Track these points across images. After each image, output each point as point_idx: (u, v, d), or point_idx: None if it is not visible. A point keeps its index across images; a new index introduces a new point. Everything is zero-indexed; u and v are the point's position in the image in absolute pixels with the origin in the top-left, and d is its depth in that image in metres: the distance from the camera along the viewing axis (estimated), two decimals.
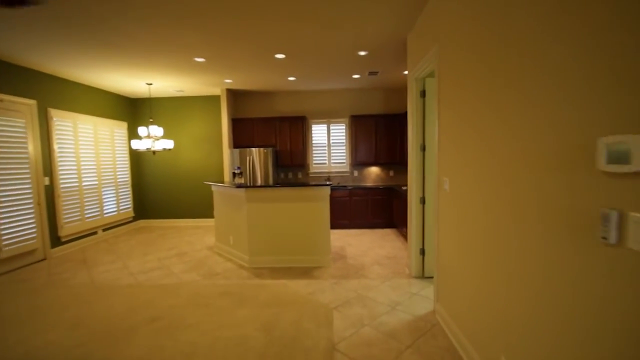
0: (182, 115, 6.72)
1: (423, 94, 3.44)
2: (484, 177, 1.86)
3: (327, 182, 4.03)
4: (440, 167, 2.64)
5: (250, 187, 3.92)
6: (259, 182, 5.95)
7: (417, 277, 3.59)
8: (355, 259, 4.31)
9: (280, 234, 4.02)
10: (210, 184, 4.59)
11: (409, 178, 3.69)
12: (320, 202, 3.99)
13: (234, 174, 5.96)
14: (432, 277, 3.55)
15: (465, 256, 2.15)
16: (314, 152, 6.61)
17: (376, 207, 6.04)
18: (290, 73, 5.12)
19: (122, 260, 4.53)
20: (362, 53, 4.19)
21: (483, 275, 1.88)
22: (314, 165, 6.63)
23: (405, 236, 5.13)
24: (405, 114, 5.85)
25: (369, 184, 6.58)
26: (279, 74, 5.18)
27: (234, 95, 6.58)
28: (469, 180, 2.09)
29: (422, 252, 3.59)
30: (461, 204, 2.22)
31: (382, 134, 6.22)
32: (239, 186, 3.85)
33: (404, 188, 5.50)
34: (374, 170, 6.57)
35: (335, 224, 6.10)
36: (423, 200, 3.53)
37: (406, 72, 5.18)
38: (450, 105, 2.39)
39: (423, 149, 3.50)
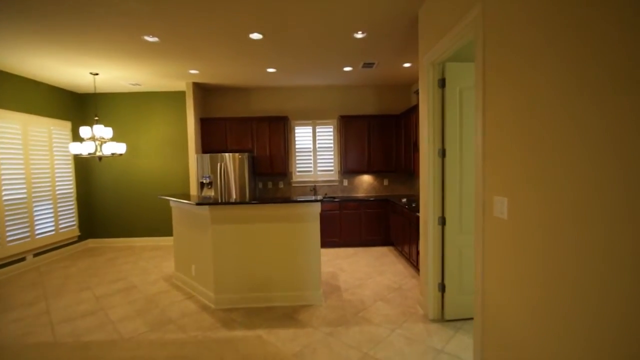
0: (140, 115, 5.67)
1: (442, 83, 2.66)
2: (588, 199, 1.06)
3: (317, 197, 3.15)
4: (486, 181, 1.83)
5: (216, 204, 2.98)
6: (233, 194, 5.00)
7: (435, 321, 2.76)
8: (352, 291, 3.45)
9: (257, 264, 3.10)
10: (168, 199, 3.60)
11: (423, 192, 2.89)
12: (308, 223, 3.11)
13: (202, 185, 4.99)
14: (454, 321, 2.73)
15: (548, 320, 1.34)
16: (298, 158, 5.74)
17: (370, 221, 5.22)
18: (269, 62, 4.24)
19: (46, 299, 3.44)
20: (359, 35, 3.38)
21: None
22: (297, 174, 5.75)
23: (406, 257, 4.33)
24: (403, 115, 5.10)
25: (360, 194, 5.77)
26: (255, 64, 4.29)
27: (203, 91, 5.62)
28: (550, 202, 1.28)
29: (442, 287, 2.77)
30: (535, 239, 1.41)
31: (375, 138, 5.43)
32: (201, 203, 2.91)
33: (403, 200, 4.71)
34: (367, 179, 5.77)
35: (323, 242, 5.22)
36: (443, 221, 2.73)
37: (407, 65, 4.42)
38: (507, 89, 1.59)
39: (442, 154, 2.71)
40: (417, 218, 3.81)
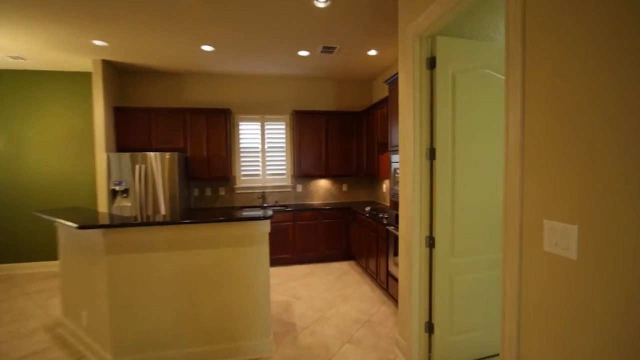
0: (28, 100, 4.29)
1: (431, 63, 2.04)
2: None
3: (266, 213, 2.34)
4: (527, 197, 1.21)
5: (112, 226, 2.00)
6: (160, 204, 3.94)
7: None
8: (312, 329, 2.69)
9: (180, 308, 2.19)
10: (45, 217, 2.47)
11: (405, 205, 2.25)
12: (254, 248, 2.29)
13: (115, 192, 3.85)
14: None
15: None
16: (243, 159, 4.83)
17: (328, 233, 4.53)
18: (204, 36, 3.32)
19: None
20: (320, 3, 2.66)
21: None
22: (242, 178, 4.84)
23: (372, 276, 3.70)
24: (365, 112, 4.50)
25: (317, 202, 5.05)
26: (186, 38, 3.33)
27: (118, 73, 4.44)
28: None
29: (430, 328, 2.15)
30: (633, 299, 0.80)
31: (334, 138, 4.77)
32: (86, 226, 1.91)
33: (367, 209, 4.10)
34: (324, 184, 5.08)
35: (273, 260, 4.39)
36: (431, 242, 2.11)
37: (372, 52, 3.82)
38: (573, 55, 0.98)
39: (432, 155, 2.09)
40: (387, 231, 3.20)
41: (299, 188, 4.97)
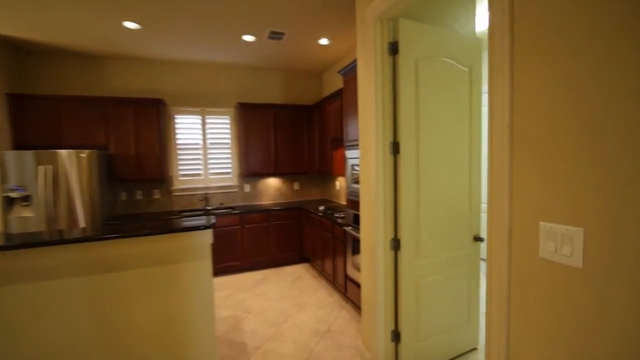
0: None
1: (394, 48, 1.86)
2: None
3: (208, 221, 1.97)
4: (517, 194, 1.06)
5: None
6: (77, 212, 3.26)
7: None
8: (265, 350, 2.38)
9: (100, 344, 1.72)
10: None
11: (366, 205, 2.05)
12: (193, 263, 1.90)
13: (11, 200, 3.10)
14: None
15: None
16: (181, 157, 4.28)
17: (280, 235, 4.22)
18: (126, 8, 2.77)
19: None
20: None
21: None
22: (180, 179, 4.29)
23: (328, 278, 3.50)
24: (316, 105, 4.27)
25: (267, 202, 4.70)
26: (104, 8, 2.75)
27: (16, 53, 3.60)
28: None
29: (396, 336, 1.99)
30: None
31: (284, 133, 4.46)
32: None
33: (321, 208, 3.88)
34: (273, 183, 4.74)
35: (220, 269, 3.95)
36: (396, 245, 1.94)
37: (324, 41, 3.58)
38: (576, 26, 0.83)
39: (395, 150, 1.91)
40: (344, 232, 3.01)
41: (247, 188, 4.57)
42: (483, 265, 3.70)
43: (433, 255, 2.04)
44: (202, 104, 4.32)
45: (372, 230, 1.98)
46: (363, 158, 2.07)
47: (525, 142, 1.01)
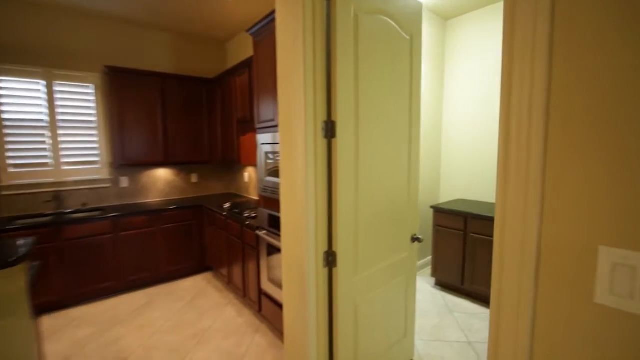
0: None
1: None
2: None
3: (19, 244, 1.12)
4: (567, 206, 0.65)
5: None
6: None
7: None
8: None
9: None
10: None
11: (288, 207, 1.49)
12: None
13: None
14: None
15: None
16: (11, 140, 2.94)
17: (174, 241, 3.33)
18: None
19: None
20: None
21: None
22: (13, 171, 2.95)
23: (237, 292, 2.86)
24: (219, 79, 3.46)
25: (154, 200, 3.70)
26: None
27: None
28: None
29: None
30: None
31: (176, 111, 3.51)
32: None
33: (226, 205, 3.18)
34: (163, 175, 3.75)
35: (79, 296, 2.86)
36: (331, 259, 1.45)
37: None
38: None
39: (331, 132, 1.40)
40: (256, 237, 2.41)
41: (124, 182, 3.48)
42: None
43: (373, 265, 1.63)
44: (47, 62, 3.02)
45: (299, 242, 1.45)
46: (285, 144, 1.50)
47: (576, 114, 0.60)
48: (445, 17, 3.40)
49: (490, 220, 2.65)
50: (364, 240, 1.55)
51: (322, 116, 1.38)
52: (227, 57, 4.08)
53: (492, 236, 2.71)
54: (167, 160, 3.47)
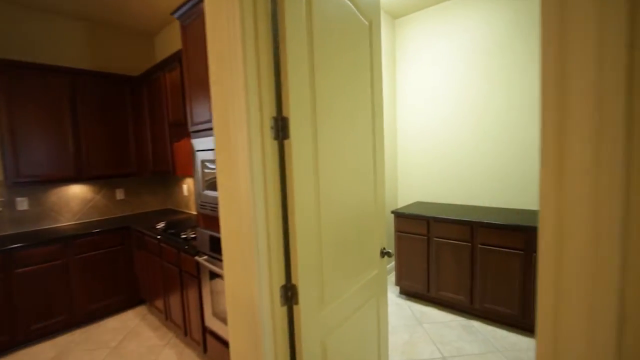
0: None
1: None
2: None
3: None
4: None
5: None
6: None
7: None
8: None
9: None
10: None
11: (230, 230, 1.13)
12: None
13: None
14: None
15: None
16: None
17: (94, 274, 2.71)
18: None
19: None
20: None
21: None
22: None
23: (176, 328, 2.37)
24: (146, 76, 2.94)
25: (66, 224, 3.02)
26: None
27: None
28: None
29: None
30: None
31: (92, 116, 2.91)
32: None
33: (160, 226, 2.68)
34: (78, 192, 3.09)
35: None
36: (291, 295, 1.12)
37: None
38: None
39: (282, 131, 1.08)
40: (196, 264, 1.99)
41: (22, 204, 2.77)
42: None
43: (342, 292, 1.34)
44: None
45: (247, 274, 1.10)
46: (222, 148, 1.14)
47: None
48: (394, 15, 3.30)
49: (454, 223, 2.54)
50: (330, 263, 1.26)
51: (270, 111, 1.06)
52: (156, 52, 3.55)
53: (456, 240, 2.60)
54: (80, 174, 2.85)
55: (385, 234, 1.69)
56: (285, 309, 1.13)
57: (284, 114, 1.07)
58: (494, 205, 2.87)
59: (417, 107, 3.28)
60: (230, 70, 1.05)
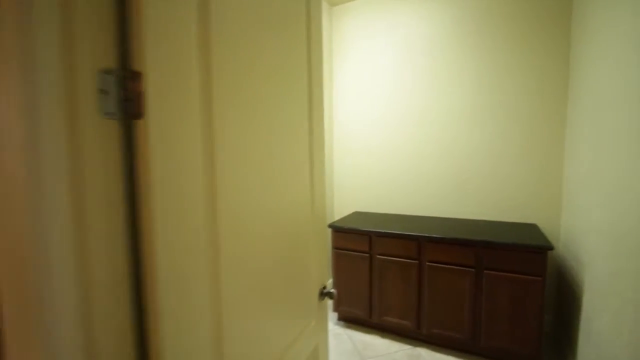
0: None
1: None
2: None
3: None
4: None
5: None
6: None
7: None
8: None
9: None
10: None
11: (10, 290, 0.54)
12: None
13: None
14: None
15: None
16: None
17: None
18: None
19: None
20: None
21: None
22: None
23: None
24: None
25: None
26: None
27: None
28: None
29: None
30: None
31: None
32: None
33: None
34: None
35: None
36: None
37: None
38: None
39: (128, 104, 0.53)
40: None
41: None
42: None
43: None
44: None
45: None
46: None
47: None
48: (331, 3, 2.94)
49: (399, 237, 2.22)
50: (237, 328, 0.73)
51: (92, 57, 0.51)
52: None
53: (402, 257, 2.27)
54: None
55: (328, 265, 1.23)
56: None
57: (136, 67, 0.53)
58: (439, 215, 2.67)
59: (354, 106, 2.96)
60: None
